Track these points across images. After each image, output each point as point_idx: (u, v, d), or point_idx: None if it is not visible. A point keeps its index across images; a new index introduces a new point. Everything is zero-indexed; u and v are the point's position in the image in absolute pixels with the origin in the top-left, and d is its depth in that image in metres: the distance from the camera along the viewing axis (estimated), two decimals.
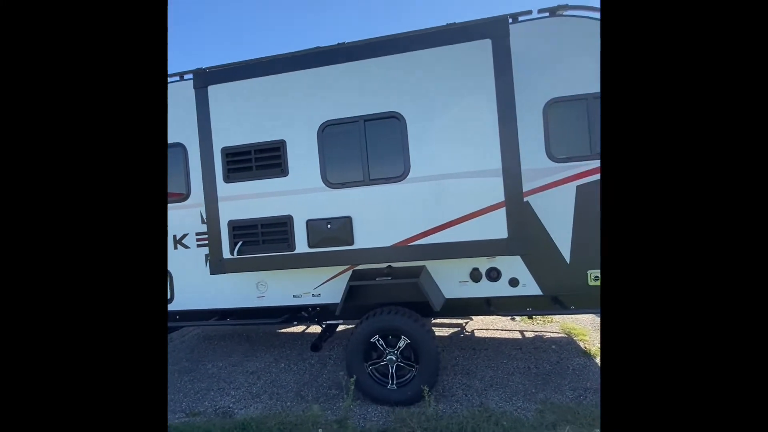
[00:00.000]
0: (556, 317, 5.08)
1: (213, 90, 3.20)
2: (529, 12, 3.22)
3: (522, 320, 5.11)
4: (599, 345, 4.21)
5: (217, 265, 3.27)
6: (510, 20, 3.25)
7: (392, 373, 3.23)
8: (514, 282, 3.24)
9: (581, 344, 4.25)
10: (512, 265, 3.23)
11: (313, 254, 3.11)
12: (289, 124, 3.12)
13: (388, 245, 3.01)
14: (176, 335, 5.40)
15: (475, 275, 3.31)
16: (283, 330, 5.41)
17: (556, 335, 4.59)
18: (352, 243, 3.05)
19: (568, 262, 3.14)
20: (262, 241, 3.19)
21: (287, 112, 3.12)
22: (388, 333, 3.21)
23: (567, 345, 4.27)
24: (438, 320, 5.12)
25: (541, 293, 3.22)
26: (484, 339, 4.58)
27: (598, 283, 3.09)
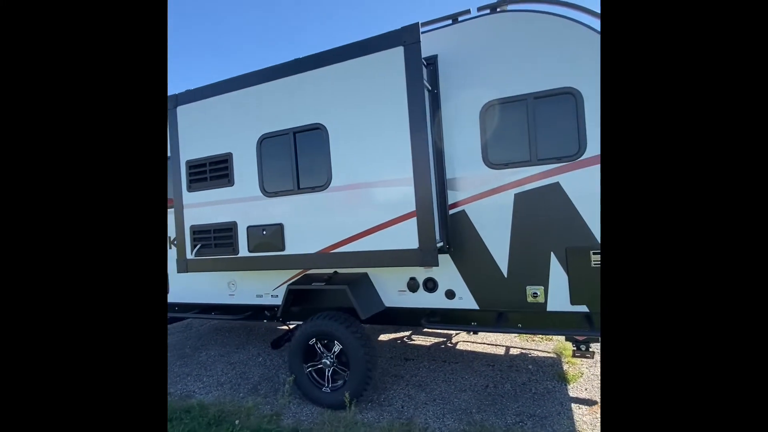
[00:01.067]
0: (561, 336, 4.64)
1: (180, 110, 3.62)
2: (468, 11, 3.07)
3: (519, 336, 4.76)
4: (584, 370, 3.77)
5: (182, 265, 3.68)
6: (451, 21, 3.14)
7: (328, 376, 3.32)
8: (450, 294, 3.11)
9: (565, 366, 3.85)
10: (449, 276, 3.10)
11: (252, 258, 3.34)
12: (235, 139, 3.40)
13: (313, 252, 3.11)
14: (195, 324, 6.09)
15: (412, 285, 3.24)
16: (283, 326, 5.77)
17: (542, 354, 4.21)
18: (283, 249, 3.21)
19: (505, 275, 2.92)
20: (215, 245, 3.52)
21: (234, 128, 3.41)
22: (323, 337, 3.31)
23: (547, 366, 3.90)
24: (429, 330, 5.01)
25: (477, 308, 3.04)
26: (463, 352, 4.38)
27: (537, 300, 2.83)
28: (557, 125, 2.76)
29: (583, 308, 2.72)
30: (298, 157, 3.16)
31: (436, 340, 4.80)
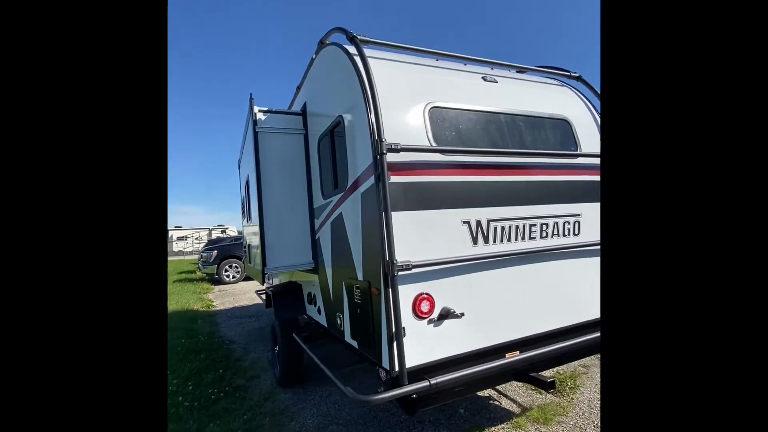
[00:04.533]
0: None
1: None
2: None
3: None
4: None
5: None
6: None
7: (277, 360, 4.30)
8: (320, 310, 3.46)
9: (519, 420, 3.15)
10: (317, 293, 3.46)
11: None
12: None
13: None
14: None
15: (308, 297, 3.76)
16: None
17: (509, 405, 3.47)
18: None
19: (330, 298, 3.07)
20: None
21: None
22: (273, 329, 4.32)
23: (492, 414, 3.28)
24: None
25: (326, 325, 3.27)
26: None
27: (341, 328, 2.86)
28: (339, 155, 2.73)
29: (355, 344, 2.57)
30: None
31: None
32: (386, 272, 2.06)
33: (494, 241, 2.45)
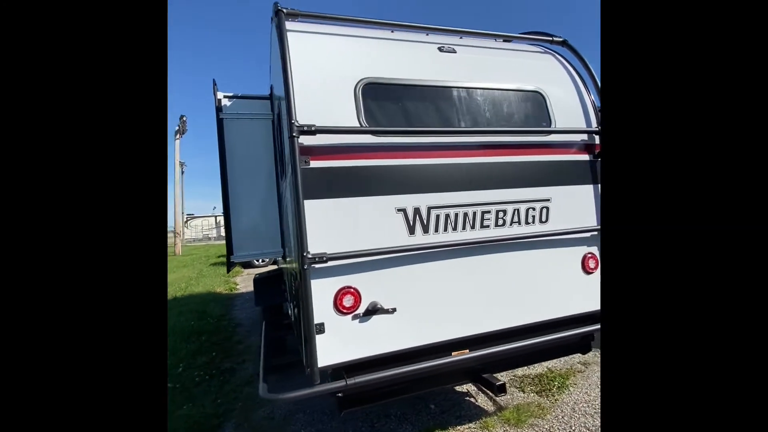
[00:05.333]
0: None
1: None
2: None
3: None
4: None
5: None
6: None
7: None
8: (288, 299, 3.41)
9: (489, 420, 2.96)
10: None
11: None
12: None
13: None
14: None
15: (287, 286, 3.73)
16: None
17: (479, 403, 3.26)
18: None
19: None
20: None
21: None
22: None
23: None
24: None
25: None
26: None
27: None
28: (282, 139, 2.61)
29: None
30: None
31: None
32: (300, 264, 1.93)
33: (436, 230, 2.22)
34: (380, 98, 2.28)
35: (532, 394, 3.34)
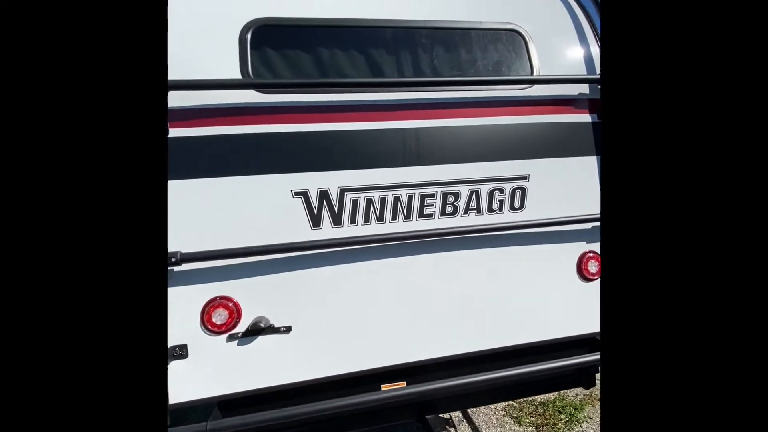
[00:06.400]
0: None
1: None
2: None
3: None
4: None
5: None
6: None
7: None
8: None
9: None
10: None
11: None
12: None
13: None
14: None
15: None
16: None
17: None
18: None
19: None
20: None
21: None
22: None
23: None
24: None
25: None
26: None
27: None
28: None
29: None
30: None
31: None
32: None
33: (353, 221, 1.63)
34: (282, 45, 1.71)
35: (530, 428, 2.64)
